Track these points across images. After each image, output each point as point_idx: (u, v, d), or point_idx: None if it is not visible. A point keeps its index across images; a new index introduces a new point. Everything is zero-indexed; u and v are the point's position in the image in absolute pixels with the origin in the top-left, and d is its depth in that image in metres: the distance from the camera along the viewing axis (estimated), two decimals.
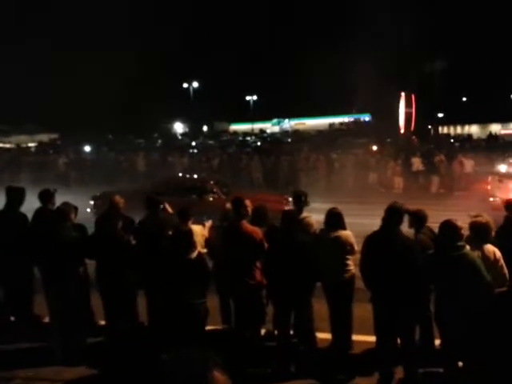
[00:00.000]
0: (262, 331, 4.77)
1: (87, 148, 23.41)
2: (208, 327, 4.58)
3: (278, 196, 10.44)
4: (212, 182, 10.18)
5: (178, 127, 55.51)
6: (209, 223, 5.10)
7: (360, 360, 4.57)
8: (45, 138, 38.98)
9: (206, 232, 4.88)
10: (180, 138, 40.48)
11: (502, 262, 3.83)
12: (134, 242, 4.56)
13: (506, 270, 3.81)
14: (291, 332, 4.49)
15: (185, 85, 46.60)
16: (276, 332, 4.52)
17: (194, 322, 3.93)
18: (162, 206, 5.34)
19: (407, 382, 3.99)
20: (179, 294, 3.88)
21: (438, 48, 34.44)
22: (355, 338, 4.77)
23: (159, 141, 35.26)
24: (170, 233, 4.28)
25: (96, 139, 27.26)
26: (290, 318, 4.37)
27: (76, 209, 4.98)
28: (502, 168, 13.43)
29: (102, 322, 4.91)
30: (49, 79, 41.19)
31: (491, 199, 10.54)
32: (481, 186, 11.65)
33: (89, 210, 9.74)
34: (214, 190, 9.72)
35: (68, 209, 4.79)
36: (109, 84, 35.13)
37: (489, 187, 11.19)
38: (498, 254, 3.85)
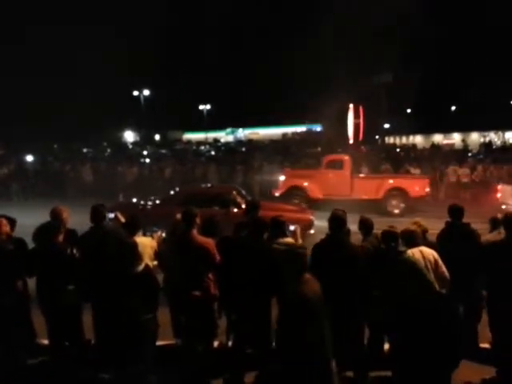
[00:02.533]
0: (215, 343, 4.68)
1: (30, 158, 22.10)
2: (159, 342, 4.44)
3: (296, 205, 10.32)
4: (234, 193, 9.52)
5: (129, 136, 54.09)
6: (158, 234, 4.97)
7: None
8: None
9: (155, 244, 4.73)
10: (131, 147, 39.38)
11: (440, 262, 4.00)
12: (77, 255, 4.34)
13: (444, 269, 3.98)
14: None
15: (135, 93, 45.47)
16: (230, 343, 4.45)
17: (142, 338, 3.78)
18: (112, 216, 5.16)
19: None
20: (125, 309, 3.71)
21: (384, 62, 36.13)
22: None
23: (108, 150, 34.13)
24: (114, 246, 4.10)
25: (41, 149, 25.98)
26: (245, 328, 4.31)
27: (14, 222, 4.72)
28: None
29: (45, 342, 4.63)
30: None
31: (503, 207, 10.98)
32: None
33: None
34: (237, 200, 9.12)
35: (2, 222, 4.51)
36: (56, 90, 33.64)
37: (499, 195, 11.58)
38: (436, 255, 4.02)
